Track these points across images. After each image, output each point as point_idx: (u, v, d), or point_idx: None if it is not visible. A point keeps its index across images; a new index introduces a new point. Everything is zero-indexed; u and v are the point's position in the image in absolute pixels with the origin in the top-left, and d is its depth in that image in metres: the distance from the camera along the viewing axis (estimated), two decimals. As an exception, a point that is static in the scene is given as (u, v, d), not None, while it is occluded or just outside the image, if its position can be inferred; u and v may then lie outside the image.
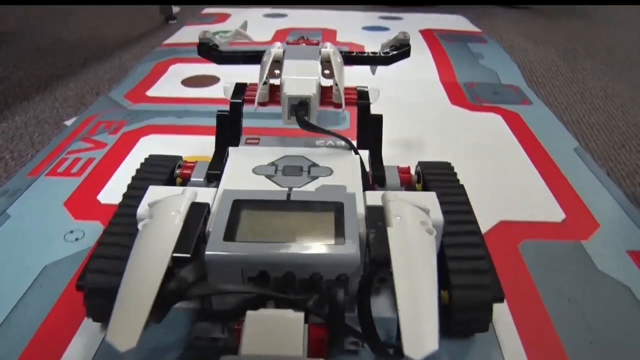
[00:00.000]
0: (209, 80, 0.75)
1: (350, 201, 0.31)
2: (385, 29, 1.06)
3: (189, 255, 0.26)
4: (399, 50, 0.46)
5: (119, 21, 1.13)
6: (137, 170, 0.40)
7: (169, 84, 0.74)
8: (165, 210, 0.29)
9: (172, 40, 0.96)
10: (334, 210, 0.30)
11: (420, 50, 0.90)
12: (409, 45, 0.47)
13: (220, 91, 0.72)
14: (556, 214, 0.46)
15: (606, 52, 0.96)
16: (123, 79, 0.76)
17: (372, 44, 0.92)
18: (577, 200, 0.48)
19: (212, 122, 0.43)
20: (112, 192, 0.47)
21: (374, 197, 0.31)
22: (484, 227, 0.43)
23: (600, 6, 1.39)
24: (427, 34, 1.00)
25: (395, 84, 0.74)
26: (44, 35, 1.03)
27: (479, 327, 0.32)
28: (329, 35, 0.99)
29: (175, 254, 0.26)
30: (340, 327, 0.26)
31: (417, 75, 0.78)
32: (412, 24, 1.10)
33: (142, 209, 0.30)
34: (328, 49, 0.43)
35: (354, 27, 1.06)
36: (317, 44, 0.45)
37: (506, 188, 0.49)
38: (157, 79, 0.76)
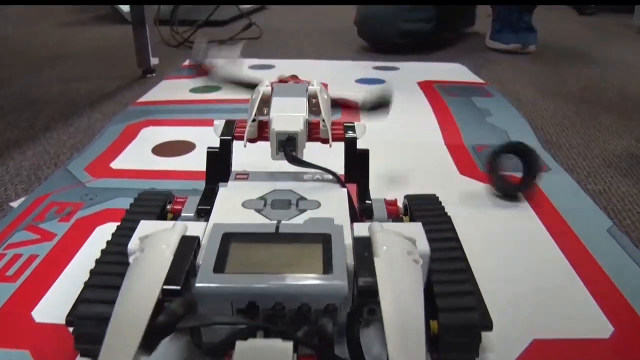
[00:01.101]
0: (184, 148, 0.66)
1: (338, 233, 0.31)
2: (381, 81, 0.98)
3: (178, 288, 0.27)
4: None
5: (94, 73, 1.05)
6: (129, 209, 0.40)
7: (138, 153, 0.65)
8: (156, 243, 0.29)
9: (147, 97, 0.87)
10: (321, 242, 0.31)
11: (419, 106, 0.82)
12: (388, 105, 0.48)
13: (196, 161, 0.64)
14: (602, 327, 0.36)
15: (620, 101, 0.89)
16: (87, 145, 0.68)
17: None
18: (625, 305, 0.39)
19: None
20: (51, 307, 0.38)
21: (361, 229, 0.31)
22: (515, 349, 0.34)
23: (605, 49, 1.33)
24: (426, 86, 0.92)
25: (392, 146, 0.66)
26: (10, 91, 0.95)
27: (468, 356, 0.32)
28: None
29: (165, 287, 0.27)
30: (330, 358, 0.26)
31: (418, 137, 0.70)
32: (408, 74, 1.02)
33: (133, 243, 0.31)
34: (315, 86, 0.44)
35: (346, 80, 0.98)
36: (305, 81, 0.45)
37: (535, 291, 0.40)
38: (125, 145, 0.67)
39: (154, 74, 1.01)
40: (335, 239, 0.31)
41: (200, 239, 0.31)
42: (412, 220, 0.39)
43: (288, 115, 0.40)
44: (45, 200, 0.53)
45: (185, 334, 0.33)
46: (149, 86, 0.94)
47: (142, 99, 0.86)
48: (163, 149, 0.66)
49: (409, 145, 0.67)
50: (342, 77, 0.99)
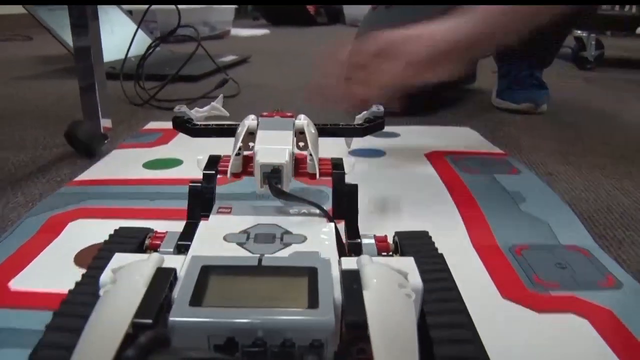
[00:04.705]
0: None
1: (325, 266, 0.29)
2: (380, 152, 0.80)
3: (150, 321, 0.24)
4: (373, 122, 0.50)
5: (33, 139, 0.86)
6: (105, 242, 0.37)
7: (55, 263, 0.47)
8: (129, 275, 0.27)
9: (88, 173, 0.69)
10: (307, 275, 0.28)
11: (432, 190, 0.65)
12: (382, 118, 0.49)
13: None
14: None
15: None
16: (-10, 248, 0.50)
17: (366, 185, 0.68)
18: None
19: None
20: None
21: (350, 262, 0.29)
22: None
23: (625, 108, 1.19)
24: (437, 160, 0.75)
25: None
26: None
27: None
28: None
29: (135, 320, 0.24)
30: None
31: (435, 234, 0.52)
32: (412, 142, 0.86)
33: (105, 275, 0.28)
34: (302, 120, 0.44)
35: (338, 150, 0.81)
36: (292, 116, 0.45)
37: None
38: (40, 248, 0.49)
39: (106, 142, 0.84)
40: (321, 272, 0.29)
41: (178, 272, 0.29)
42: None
43: (273, 147, 0.40)
44: None
45: None
46: (96, 157, 0.77)
47: (81, 177, 0.68)
48: (90, 257, 0.48)
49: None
50: (332, 146, 0.82)
